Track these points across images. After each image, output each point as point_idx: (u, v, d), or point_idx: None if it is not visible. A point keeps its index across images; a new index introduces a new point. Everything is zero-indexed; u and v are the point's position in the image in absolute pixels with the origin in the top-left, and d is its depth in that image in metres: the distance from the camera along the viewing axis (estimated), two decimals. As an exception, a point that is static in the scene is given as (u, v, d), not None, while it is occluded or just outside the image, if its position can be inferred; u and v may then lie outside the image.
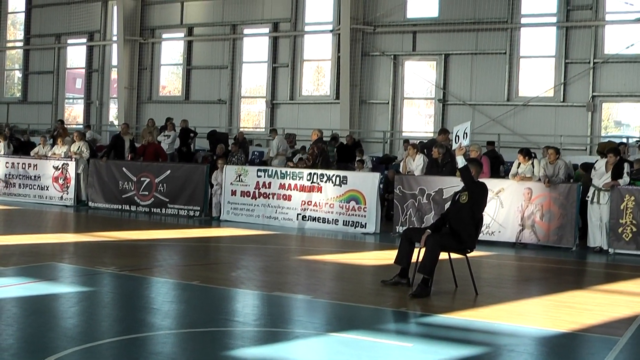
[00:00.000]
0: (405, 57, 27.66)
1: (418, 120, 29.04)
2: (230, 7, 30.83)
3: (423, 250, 10.26)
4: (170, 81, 34.69)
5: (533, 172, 16.33)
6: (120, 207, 20.75)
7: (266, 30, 30.58)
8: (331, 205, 17.91)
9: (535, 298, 10.70)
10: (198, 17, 32.11)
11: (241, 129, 29.42)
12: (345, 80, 27.39)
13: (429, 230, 10.52)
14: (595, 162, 16.69)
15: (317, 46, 30.02)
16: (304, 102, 29.63)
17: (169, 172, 20.19)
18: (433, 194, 16.97)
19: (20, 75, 38.92)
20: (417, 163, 17.98)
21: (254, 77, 31.77)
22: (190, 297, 9.92)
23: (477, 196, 10.48)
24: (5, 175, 22.78)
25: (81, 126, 33.73)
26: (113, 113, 34.97)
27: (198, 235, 16.81)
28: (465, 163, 10.46)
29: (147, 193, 20.34)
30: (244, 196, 19.00)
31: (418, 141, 21.15)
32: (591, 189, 16.06)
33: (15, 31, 39.64)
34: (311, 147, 19.20)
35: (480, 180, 10.91)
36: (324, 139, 23.51)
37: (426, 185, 17.15)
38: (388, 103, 27.63)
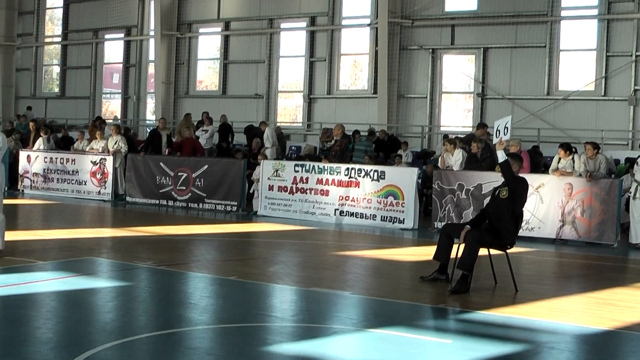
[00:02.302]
0: (444, 50, 27.45)
1: (456, 115, 28.82)
2: (267, 1, 30.76)
3: (462, 246, 10.15)
4: (207, 76, 34.74)
5: (574, 167, 16.12)
6: (157, 201, 20.79)
7: (303, 24, 30.50)
8: (369, 201, 17.80)
9: (576, 295, 10.53)
10: (235, 12, 32.10)
11: (278, 124, 29.38)
12: (382, 74, 27.23)
13: (468, 226, 10.40)
14: (638, 157, 16.46)
15: (354, 40, 29.86)
16: (341, 96, 29.52)
17: (206, 166, 20.19)
18: (472, 189, 16.80)
19: (58, 71, 39.17)
20: (455, 158, 17.82)
21: (291, 72, 31.70)
22: (228, 292, 9.90)
23: (518, 191, 10.34)
24: (44, 170, 22.93)
25: (119, 121, 33.94)
26: (150, 108, 35.08)
27: (235, 231, 16.78)
28: (506, 158, 10.32)
29: (184, 188, 20.35)
30: (281, 191, 18.95)
31: (454, 136, 20.93)
32: (633, 185, 15.83)
33: (54, 27, 39.89)
34: (336, 143, 19.13)
35: (521, 175, 10.76)
36: (362, 133, 23.48)
37: (465, 181, 16.99)
38: (426, 97, 27.43)
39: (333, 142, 20.12)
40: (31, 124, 25.67)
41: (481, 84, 26.40)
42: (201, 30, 33.37)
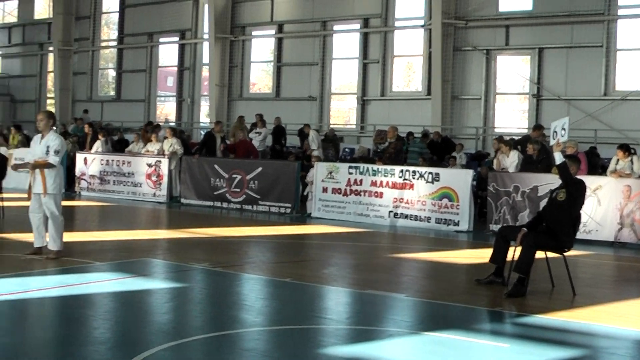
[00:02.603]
0: (498, 51, 27.21)
1: (511, 116, 28.55)
2: (320, 3, 30.82)
3: (519, 249, 10.04)
4: (260, 78, 34.87)
5: (632, 168, 15.88)
6: (211, 203, 20.92)
7: (356, 26, 30.47)
8: (423, 203, 17.71)
9: (636, 299, 10.37)
10: (288, 14, 32.19)
11: (331, 126, 29.37)
12: (436, 75, 27.10)
13: (525, 229, 10.28)
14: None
15: (407, 41, 29.76)
16: (394, 98, 29.43)
17: (260, 169, 20.26)
18: (528, 191, 16.63)
19: (114, 74, 39.63)
20: (511, 160, 17.65)
21: (344, 74, 31.68)
22: (283, 294, 9.90)
23: (576, 194, 10.19)
24: (101, 172, 23.19)
25: (173, 124, 34.24)
26: (204, 110, 35.32)
27: (289, 233, 16.79)
28: (563, 160, 10.18)
29: (238, 190, 20.45)
30: (335, 193, 18.94)
31: (509, 138, 20.73)
32: (694, 186, 15.55)
33: (109, 31, 40.37)
34: (390, 145, 19.05)
35: (578, 177, 10.61)
36: (415, 135, 23.36)
37: (521, 183, 16.81)
38: (480, 98, 27.23)
39: (387, 144, 20.06)
40: (87, 126, 25.98)
41: (536, 84, 26.12)
42: (255, 33, 33.51)
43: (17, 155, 22.91)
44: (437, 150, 23.46)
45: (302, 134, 25.73)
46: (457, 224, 17.28)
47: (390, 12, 29.37)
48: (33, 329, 7.81)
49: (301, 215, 19.49)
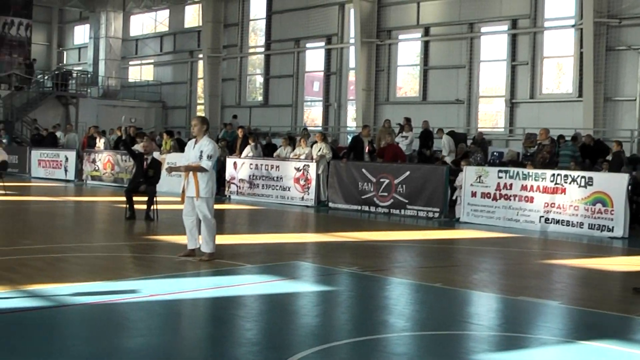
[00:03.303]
0: (654, 51, 26.28)
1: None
2: (467, 5, 30.49)
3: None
4: (406, 82, 34.78)
5: None
6: (359, 207, 20.96)
7: (505, 27, 30.00)
8: (576, 208, 17.22)
9: None
10: (434, 17, 31.99)
11: (479, 129, 29.00)
12: (588, 76, 26.35)
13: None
14: None
15: (557, 42, 29.07)
16: (544, 100, 28.82)
17: (408, 173, 20.17)
18: (687, 195, 15.96)
19: (261, 80, 40.32)
20: (669, 163, 16.99)
21: (492, 76, 31.25)
22: (432, 299, 9.80)
23: None
24: (250, 176, 23.60)
25: (320, 128, 34.53)
26: (351, 115, 35.49)
27: (437, 237, 16.67)
28: None
29: (386, 194, 20.41)
30: (484, 197, 18.64)
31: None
32: None
33: (256, 37, 41.12)
34: (544, 148, 18.60)
35: None
36: (566, 138, 22.79)
37: (679, 186, 16.16)
38: (635, 100, 26.30)
39: (536, 147, 19.62)
40: (240, 130, 26.47)
41: (696, 84, 25.06)
42: (401, 36, 33.48)
43: (170, 159, 23.45)
44: (589, 154, 22.80)
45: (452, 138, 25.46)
46: (611, 229, 16.71)
47: (540, 12, 28.77)
48: (186, 329, 8.00)
49: (449, 220, 19.29)
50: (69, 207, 22.45)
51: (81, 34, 52.06)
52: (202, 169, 11.43)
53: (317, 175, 22.05)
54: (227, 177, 24.22)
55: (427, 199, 19.69)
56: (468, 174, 19.04)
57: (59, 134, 34.90)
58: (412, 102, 32.49)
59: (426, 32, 32.34)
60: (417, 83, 33.03)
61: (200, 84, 43.37)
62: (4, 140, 29.95)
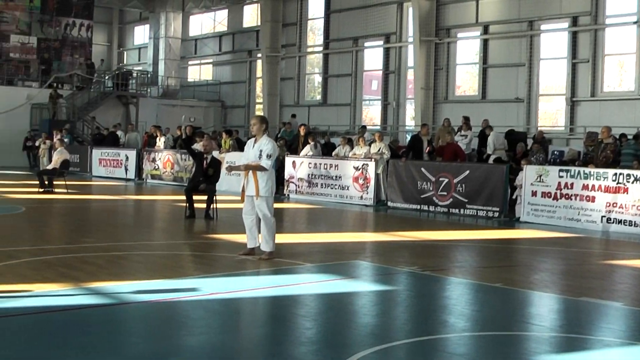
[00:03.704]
0: None
1: None
2: (527, 2, 30.17)
3: None
4: (465, 80, 34.56)
5: None
6: (418, 207, 20.87)
7: (565, 25, 29.61)
8: (638, 208, 16.93)
9: None
10: (493, 15, 31.72)
11: (539, 128, 28.69)
12: (651, 74, 25.96)
13: None
14: None
15: (619, 39, 28.62)
16: (605, 98, 28.40)
17: (467, 172, 20.02)
18: None
19: (320, 79, 40.38)
20: None
21: (552, 74, 30.87)
22: (492, 299, 9.71)
23: None
24: (309, 175, 23.64)
25: (378, 127, 34.48)
26: (409, 113, 35.38)
27: (497, 237, 16.53)
28: None
29: (445, 193, 20.30)
30: (544, 197, 18.42)
31: None
32: None
33: (315, 36, 41.18)
34: (607, 147, 18.32)
35: None
36: (628, 137, 22.41)
37: None
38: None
39: (600, 146, 19.34)
40: (302, 128, 26.49)
41: None
42: (459, 34, 33.26)
43: (229, 159, 23.65)
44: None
45: (511, 137, 25.18)
46: (675, 229, 16.42)
47: (601, 9, 28.34)
48: (246, 327, 8.05)
49: (509, 220, 19.11)
50: (129, 205, 22.74)
51: (141, 34, 52.66)
52: (261, 168, 11.47)
53: (376, 175, 22.01)
54: (286, 176, 24.30)
55: (487, 199, 19.53)
56: (528, 173, 18.84)
57: (119, 133, 35.35)
58: (471, 101, 32.27)
59: (485, 30, 32.08)
60: (476, 81, 32.79)
61: (258, 83, 43.59)
62: (66, 140, 30.39)
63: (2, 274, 9.87)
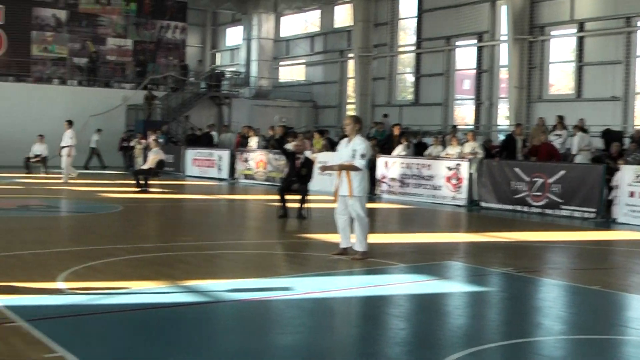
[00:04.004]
0: None
1: None
2: (623, -1, 29.57)
3: None
4: (559, 79, 33.99)
5: None
6: (511, 207, 20.59)
7: (664, 21, 28.93)
8: None
9: None
10: (589, 12, 31.11)
11: (637, 127, 28.03)
12: None
13: None
14: None
15: None
16: None
17: (563, 172, 19.67)
18: None
19: (411, 79, 40.24)
20: None
21: (650, 72, 30.16)
22: (588, 302, 9.54)
23: None
24: (401, 175, 23.58)
25: (471, 127, 34.18)
26: (502, 113, 34.98)
27: (593, 238, 16.19)
28: None
29: (539, 194, 19.98)
30: (643, 197, 18.01)
31: None
32: None
33: (406, 36, 41.05)
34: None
35: None
36: None
37: None
38: None
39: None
40: (397, 128, 26.39)
41: None
42: (553, 32, 32.74)
43: (321, 159, 23.73)
44: None
45: (607, 136, 24.70)
46: None
47: None
48: (340, 327, 8.06)
49: (606, 221, 18.71)
50: (222, 205, 23.01)
51: (233, 35, 53.20)
52: (355, 168, 11.48)
53: (469, 174, 21.81)
54: (378, 176, 24.27)
55: (583, 199, 19.15)
56: (626, 174, 18.42)
57: (213, 133, 35.81)
58: (565, 100, 31.71)
59: (581, 27, 31.49)
60: (571, 80, 32.21)
61: (350, 83, 43.64)
62: (161, 140, 30.93)
63: (102, 271, 10.11)
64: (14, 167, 31.41)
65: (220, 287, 9.30)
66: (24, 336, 6.82)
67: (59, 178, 26.40)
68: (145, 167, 25.02)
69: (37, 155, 31.34)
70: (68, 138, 26.63)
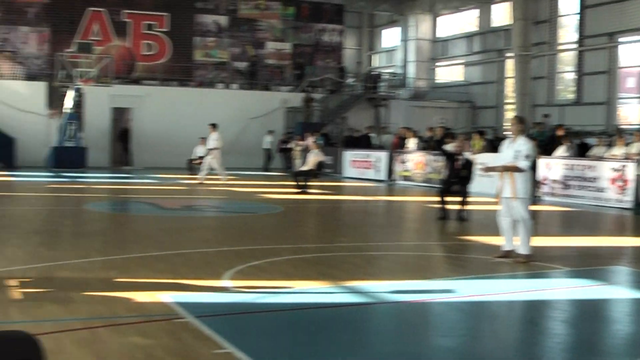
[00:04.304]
0: None
1: None
2: None
3: None
4: None
5: None
6: (681, 210, 19.82)
7: None
8: None
9: None
10: None
11: None
12: None
13: None
14: None
15: None
16: None
17: None
18: None
19: (573, 77, 39.22)
20: None
21: None
22: None
23: None
24: (563, 177, 23.00)
25: (636, 126, 33.00)
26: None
27: None
28: None
29: None
30: None
31: None
32: None
33: (565, 33, 40.04)
34: None
35: None
36: None
37: None
38: None
39: None
40: (561, 129, 25.80)
41: None
42: None
43: (481, 160, 23.46)
44: None
45: None
46: None
47: None
48: (503, 331, 7.90)
49: None
50: (381, 206, 23.07)
51: (390, 37, 53.22)
52: (518, 169, 11.26)
53: (636, 176, 21.02)
54: (540, 177, 23.75)
55: None
56: None
57: (372, 135, 35.94)
58: None
59: None
60: None
61: (509, 83, 42.91)
62: (320, 142, 31.26)
63: (266, 270, 10.30)
64: (178, 169, 32.41)
65: (380, 288, 9.30)
66: (193, 332, 7.02)
67: (218, 179, 27.03)
68: (305, 168, 25.33)
69: (199, 157, 32.25)
70: (213, 140, 27.32)
